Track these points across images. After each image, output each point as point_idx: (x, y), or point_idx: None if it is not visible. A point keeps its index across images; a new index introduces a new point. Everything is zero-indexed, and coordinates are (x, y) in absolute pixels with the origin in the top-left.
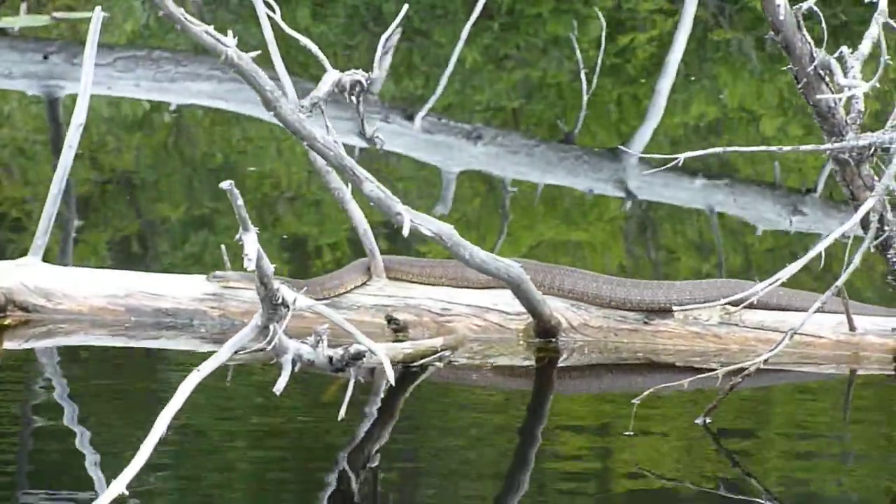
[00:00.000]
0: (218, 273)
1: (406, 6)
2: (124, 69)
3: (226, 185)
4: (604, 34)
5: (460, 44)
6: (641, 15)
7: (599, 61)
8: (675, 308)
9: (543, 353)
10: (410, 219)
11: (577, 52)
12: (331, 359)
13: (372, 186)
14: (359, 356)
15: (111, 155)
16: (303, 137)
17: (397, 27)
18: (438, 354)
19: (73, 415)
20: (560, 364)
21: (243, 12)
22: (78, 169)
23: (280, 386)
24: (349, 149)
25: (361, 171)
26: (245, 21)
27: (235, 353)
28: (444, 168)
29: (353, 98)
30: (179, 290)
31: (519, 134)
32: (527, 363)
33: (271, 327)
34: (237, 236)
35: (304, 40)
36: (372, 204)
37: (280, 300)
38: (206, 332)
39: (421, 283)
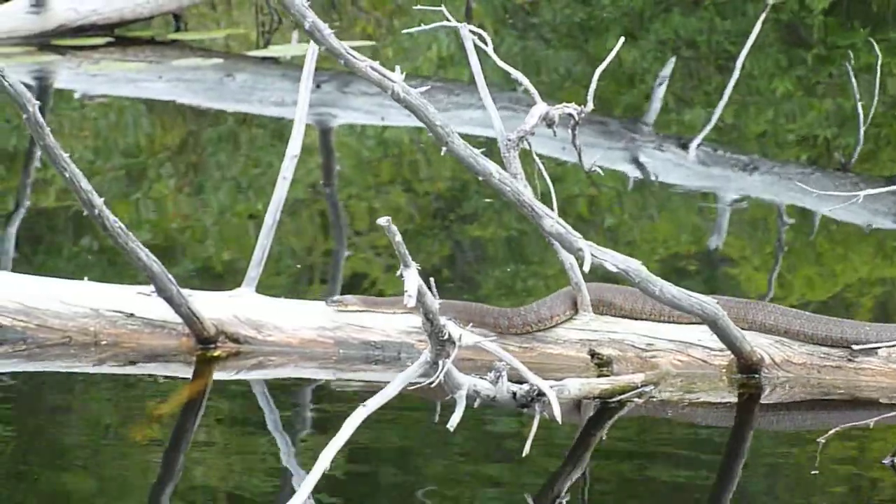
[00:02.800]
0: (336, 297)
1: (673, 59)
2: None
3: (383, 221)
4: (879, 63)
5: (736, 73)
6: None
7: (877, 91)
8: (854, 347)
9: (745, 389)
10: (592, 253)
11: (853, 82)
12: (514, 394)
13: (552, 222)
14: (543, 392)
15: (424, 183)
16: (478, 173)
17: (612, 54)
18: (638, 390)
19: (285, 446)
20: (762, 401)
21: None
22: (394, 197)
23: (454, 422)
24: (622, 178)
25: (540, 207)
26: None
27: (406, 388)
28: (719, 198)
29: (570, 131)
30: (388, 322)
31: (794, 164)
32: (728, 399)
33: (440, 363)
34: (398, 272)
35: (515, 73)
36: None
37: (446, 336)
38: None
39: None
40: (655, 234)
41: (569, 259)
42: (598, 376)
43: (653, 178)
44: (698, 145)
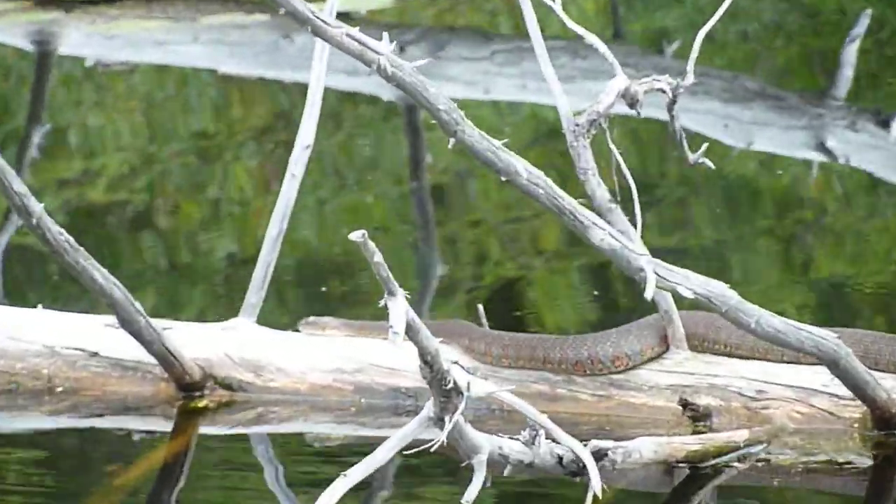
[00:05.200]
0: (311, 319)
1: (868, 12)
2: (505, 63)
3: (357, 235)
4: None
5: None
6: None
7: None
8: None
9: (881, 449)
10: (657, 273)
11: None
12: (560, 459)
13: (602, 234)
14: (601, 454)
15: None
16: (499, 171)
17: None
18: (741, 452)
19: None
20: None
21: None
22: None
23: (471, 495)
24: (803, 165)
25: (586, 214)
26: None
27: (402, 452)
28: None
29: (669, 114)
30: None
31: None
32: (860, 463)
33: (446, 419)
34: (381, 301)
35: (590, 37)
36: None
37: (450, 384)
38: None
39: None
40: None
41: None
42: (693, 433)
43: (842, 161)
44: None
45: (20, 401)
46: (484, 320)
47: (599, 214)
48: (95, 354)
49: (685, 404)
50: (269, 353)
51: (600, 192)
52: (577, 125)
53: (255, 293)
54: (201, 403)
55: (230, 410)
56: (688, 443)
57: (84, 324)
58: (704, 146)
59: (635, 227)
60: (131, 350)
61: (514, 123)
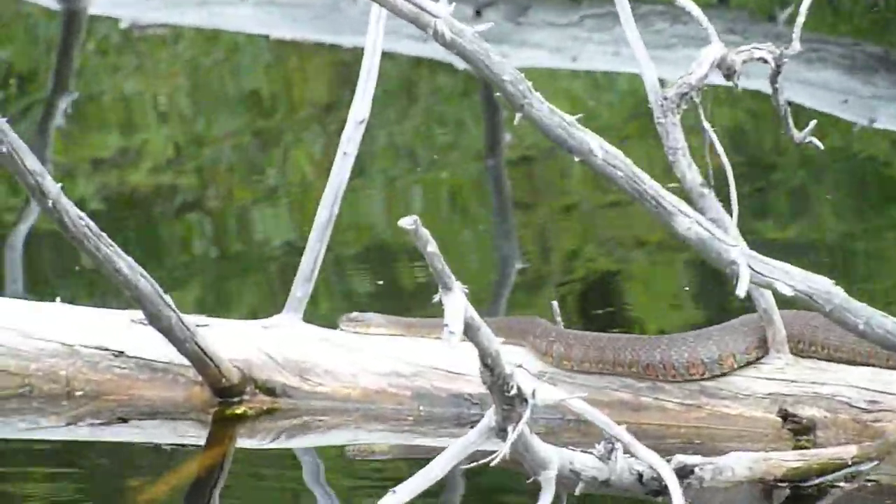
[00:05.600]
0: (353, 315)
1: None
2: (595, 29)
3: (407, 222)
4: None
5: None
6: None
7: None
8: None
9: None
10: (752, 268)
11: None
12: (640, 476)
13: (689, 223)
14: (686, 471)
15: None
16: (571, 149)
17: None
18: (850, 470)
19: None
20: None
21: None
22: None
23: None
24: None
25: (670, 200)
26: None
27: (461, 466)
28: None
29: (772, 86)
30: None
31: None
32: None
33: (509, 429)
34: (436, 297)
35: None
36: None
37: (514, 390)
38: None
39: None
40: None
41: None
42: (794, 448)
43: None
44: None
45: (35, 405)
46: (559, 318)
47: (689, 201)
48: (120, 354)
49: (786, 416)
50: (317, 353)
51: (691, 174)
52: (666, 99)
53: (302, 286)
54: (239, 410)
55: (272, 418)
56: (788, 459)
57: (107, 320)
58: (812, 123)
59: (731, 215)
60: (161, 349)
61: (607, 97)
